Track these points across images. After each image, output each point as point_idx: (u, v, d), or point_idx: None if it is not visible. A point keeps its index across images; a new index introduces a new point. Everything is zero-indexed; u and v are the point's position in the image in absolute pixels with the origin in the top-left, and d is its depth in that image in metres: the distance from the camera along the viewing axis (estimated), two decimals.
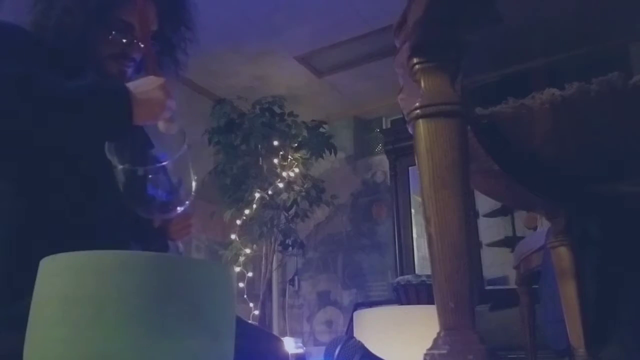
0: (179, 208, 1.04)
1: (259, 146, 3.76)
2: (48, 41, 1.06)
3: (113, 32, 1.08)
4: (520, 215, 3.49)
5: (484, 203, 3.69)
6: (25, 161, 0.98)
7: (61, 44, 1.05)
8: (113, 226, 1.05)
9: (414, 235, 4.04)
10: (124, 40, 1.09)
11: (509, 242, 3.63)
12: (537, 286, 2.05)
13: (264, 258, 3.83)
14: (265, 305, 3.93)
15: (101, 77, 1.09)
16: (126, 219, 1.05)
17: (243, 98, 3.76)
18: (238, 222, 3.72)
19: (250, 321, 3.43)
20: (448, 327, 0.70)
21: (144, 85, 0.97)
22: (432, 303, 0.75)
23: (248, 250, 3.74)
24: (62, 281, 0.57)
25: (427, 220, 0.74)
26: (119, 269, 0.57)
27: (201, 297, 0.60)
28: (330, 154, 3.93)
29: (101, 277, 0.56)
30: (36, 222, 0.97)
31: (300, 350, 3.74)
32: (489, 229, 3.81)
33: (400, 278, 3.42)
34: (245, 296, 3.74)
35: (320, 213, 4.27)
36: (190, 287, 0.60)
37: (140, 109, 0.94)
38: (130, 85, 0.96)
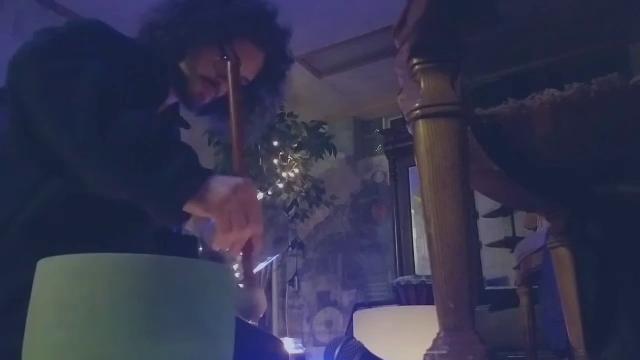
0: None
1: (259, 147, 3.76)
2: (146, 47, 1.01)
3: (224, 57, 1.02)
4: (520, 216, 3.48)
5: (484, 204, 3.68)
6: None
7: (173, 39, 1.02)
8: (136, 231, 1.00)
9: (414, 236, 4.04)
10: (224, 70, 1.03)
11: (509, 242, 3.62)
12: (537, 287, 2.05)
13: None
14: None
15: (183, 92, 1.05)
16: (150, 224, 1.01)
17: None
18: None
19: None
20: (448, 327, 0.70)
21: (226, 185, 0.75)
22: (432, 304, 0.75)
23: None
24: (57, 284, 0.56)
25: (427, 221, 0.74)
26: (114, 272, 0.56)
27: (198, 298, 0.59)
28: (330, 154, 3.93)
29: (96, 280, 0.56)
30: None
31: (300, 351, 3.73)
32: (489, 230, 3.80)
33: (400, 279, 3.41)
34: None
35: (320, 214, 4.26)
36: (187, 289, 0.59)
37: (200, 206, 0.76)
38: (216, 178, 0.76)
